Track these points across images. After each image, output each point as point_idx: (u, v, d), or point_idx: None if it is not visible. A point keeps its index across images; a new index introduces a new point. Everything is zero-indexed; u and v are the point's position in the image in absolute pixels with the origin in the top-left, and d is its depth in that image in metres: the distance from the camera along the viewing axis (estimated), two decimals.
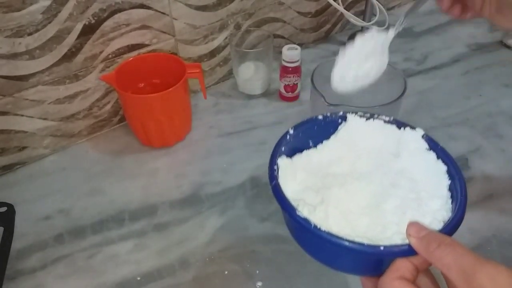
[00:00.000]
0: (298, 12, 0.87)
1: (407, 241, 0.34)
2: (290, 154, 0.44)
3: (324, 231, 0.34)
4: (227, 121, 0.77)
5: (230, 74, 0.85)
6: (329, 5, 0.86)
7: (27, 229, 0.61)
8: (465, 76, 0.85)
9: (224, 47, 0.81)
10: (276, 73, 0.79)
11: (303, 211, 0.37)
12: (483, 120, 0.75)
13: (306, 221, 0.35)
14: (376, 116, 0.45)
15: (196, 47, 0.78)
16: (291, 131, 0.44)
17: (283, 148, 0.43)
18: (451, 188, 0.39)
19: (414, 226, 0.34)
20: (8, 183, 0.67)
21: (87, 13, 0.63)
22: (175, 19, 0.72)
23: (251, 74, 0.79)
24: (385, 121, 0.45)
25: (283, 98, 0.80)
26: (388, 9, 0.99)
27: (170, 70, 0.70)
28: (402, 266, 0.33)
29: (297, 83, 0.78)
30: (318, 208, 0.38)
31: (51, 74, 0.64)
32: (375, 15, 0.85)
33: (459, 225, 0.36)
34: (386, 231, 0.37)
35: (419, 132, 0.44)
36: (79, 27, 0.63)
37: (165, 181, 0.67)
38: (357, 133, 0.45)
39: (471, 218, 0.59)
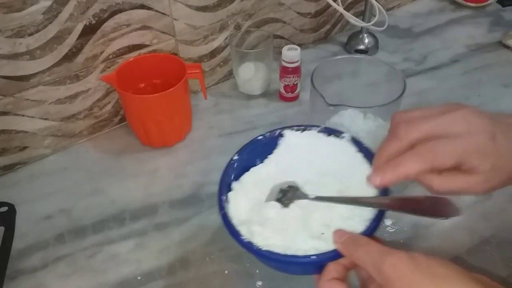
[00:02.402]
0: (298, 13, 0.88)
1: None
2: (240, 175, 0.49)
3: (265, 250, 0.40)
4: (227, 121, 0.77)
5: (230, 74, 0.85)
6: (329, 5, 0.86)
7: (28, 228, 0.61)
8: (464, 76, 0.85)
9: (224, 48, 0.81)
10: (276, 74, 0.80)
11: (250, 234, 0.41)
12: None
13: (249, 244, 0.40)
14: (308, 128, 0.50)
15: (197, 47, 0.78)
16: (236, 157, 0.49)
17: (232, 176, 0.48)
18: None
19: (337, 233, 0.39)
20: (9, 183, 0.67)
21: (87, 14, 0.63)
22: (176, 19, 0.72)
23: (251, 75, 0.80)
24: (317, 131, 0.50)
25: (283, 98, 0.81)
26: (387, 10, 0.99)
27: (170, 71, 0.70)
28: (331, 269, 0.38)
29: (296, 84, 0.78)
30: (259, 229, 0.42)
31: (52, 74, 0.65)
32: (375, 16, 0.85)
33: (379, 223, 0.40)
34: (320, 239, 0.41)
35: (346, 136, 0.48)
36: (79, 27, 0.63)
37: (166, 181, 0.67)
38: (295, 145, 0.50)
39: (470, 218, 0.60)
